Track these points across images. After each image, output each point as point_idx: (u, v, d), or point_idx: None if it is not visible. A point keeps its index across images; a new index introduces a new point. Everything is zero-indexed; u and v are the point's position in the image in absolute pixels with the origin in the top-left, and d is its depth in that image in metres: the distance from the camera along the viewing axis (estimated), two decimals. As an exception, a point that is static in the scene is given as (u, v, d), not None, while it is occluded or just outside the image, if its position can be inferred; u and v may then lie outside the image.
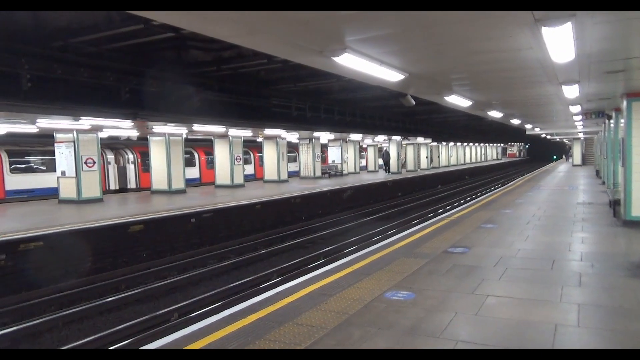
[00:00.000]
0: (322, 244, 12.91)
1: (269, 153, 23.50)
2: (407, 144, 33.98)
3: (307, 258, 11.20)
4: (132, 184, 22.57)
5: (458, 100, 11.20)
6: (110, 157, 22.53)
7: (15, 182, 17.94)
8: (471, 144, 50.84)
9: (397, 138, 29.95)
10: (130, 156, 22.90)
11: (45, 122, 13.10)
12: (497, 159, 67.16)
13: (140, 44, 9.93)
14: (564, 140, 52.63)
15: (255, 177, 27.75)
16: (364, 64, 6.21)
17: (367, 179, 26.08)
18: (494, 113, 15.99)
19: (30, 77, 9.66)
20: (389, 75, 7.11)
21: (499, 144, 67.52)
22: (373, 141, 32.49)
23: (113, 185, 22.35)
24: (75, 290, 8.83)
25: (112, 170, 22.50)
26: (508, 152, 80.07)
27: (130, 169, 22.91)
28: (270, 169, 23.62)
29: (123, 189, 22.15)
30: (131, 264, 10.74)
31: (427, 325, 4.34)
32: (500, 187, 24.59)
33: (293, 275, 9.43)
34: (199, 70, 12.22)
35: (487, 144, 59.46)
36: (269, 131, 20.38)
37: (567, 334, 4.09)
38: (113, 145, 22.91)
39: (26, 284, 9.01)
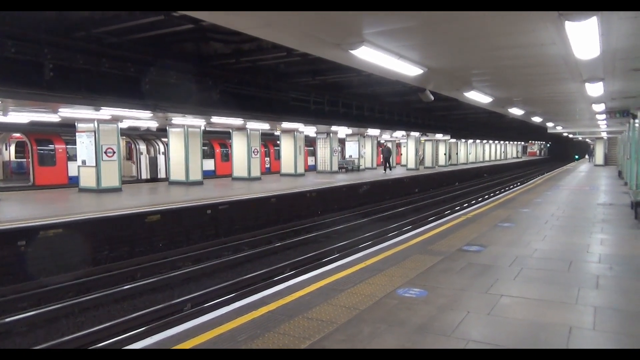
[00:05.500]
0: (337, 239, 12.89)
1: (286, 146, 23.53)
2: (425, 140, 33.68)
3: (321, 252, 11.19)
4: (162, 174, 22.76)
5: (478, 97, 11.03)
6: (143, 147, 22.78)
7: (75, 169, 18.94)
8: (491, 141, 50.17)
9: (416, 134, 29.70)
10: (161, 147, 23.08)
11: (66, 112, 13.30)
12: (517, 157, 66.20)
13: (160, 35, 9.99)
14: (587, 140, 51.60)
15: (270, 171, 27.70)
16: (382, 57, 6.15)
17: (383, 174, 25.93)
18: (515, 110, 15.72)
19: (53, 66, 9.77)
20: (407, 69, 7.03)
21: (519, 142, 66.54)
22: (391, 137, 32.27)
23: (145, 174, 22.61)
24: (92, 277, 8.99)
25: (144, 160, 22.77)
26: (528, 150, 79.00)
27: (161, 160, 23.12)
28: (287, 162, 23.66)
29: (154, 179, 22.38)
30: (147, 254, 10.88)
31: (439, 323, 4.28)
32: (520, 185, 24.21)
33: (306, 269, 9.43)
34: (218, 63, 12.24)
35: (507, 142, 58.63)
36: (286, 124, 20.39)
37: (582, 337, 3.99)
38: (145, 136, 23.14)
39: (45, 270, 9.19)
